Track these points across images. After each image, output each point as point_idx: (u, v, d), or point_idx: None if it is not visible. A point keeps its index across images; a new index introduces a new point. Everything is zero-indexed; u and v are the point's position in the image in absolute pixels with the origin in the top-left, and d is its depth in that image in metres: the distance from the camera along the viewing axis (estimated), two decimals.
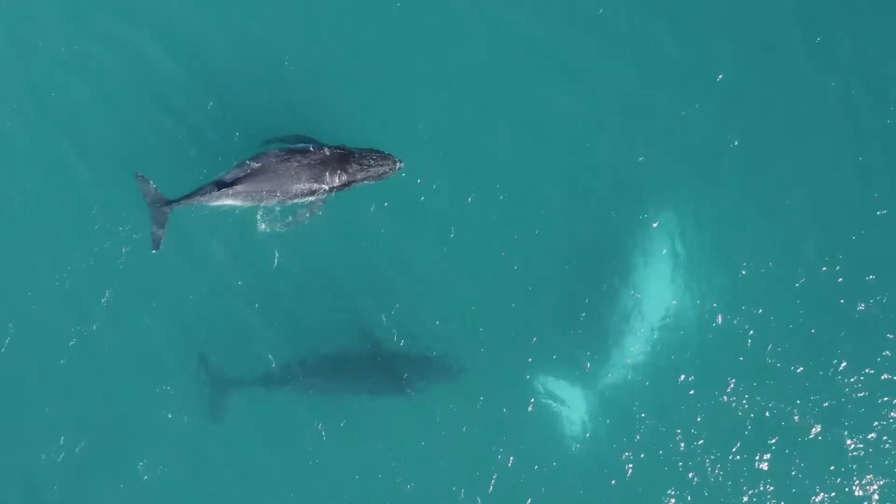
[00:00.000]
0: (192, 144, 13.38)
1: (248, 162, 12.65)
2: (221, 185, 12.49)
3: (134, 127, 13.58)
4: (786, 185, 13.16)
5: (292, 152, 12.66)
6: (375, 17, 13.63)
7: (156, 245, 12.61)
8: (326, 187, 12.73)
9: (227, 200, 12.69)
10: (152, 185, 12.47)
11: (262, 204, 12.81)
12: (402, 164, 12.87)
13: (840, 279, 12.94)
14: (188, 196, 12.57)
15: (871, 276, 12.91)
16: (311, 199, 12.81)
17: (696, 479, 12.79)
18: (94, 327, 13.47)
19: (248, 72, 13.55)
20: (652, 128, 13.34)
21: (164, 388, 13.36)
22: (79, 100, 13.68)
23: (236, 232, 13.31)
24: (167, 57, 13.63)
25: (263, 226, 13.02)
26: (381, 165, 12.80)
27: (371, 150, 12.80)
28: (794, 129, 13.25)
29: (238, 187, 12.51)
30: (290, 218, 13.03)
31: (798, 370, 12.84)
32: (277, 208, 12.97)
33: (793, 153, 13.22)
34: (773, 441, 12.76)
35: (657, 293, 13.02)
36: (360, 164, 12.73)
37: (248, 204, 12.80)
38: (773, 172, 13.21)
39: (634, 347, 13.01)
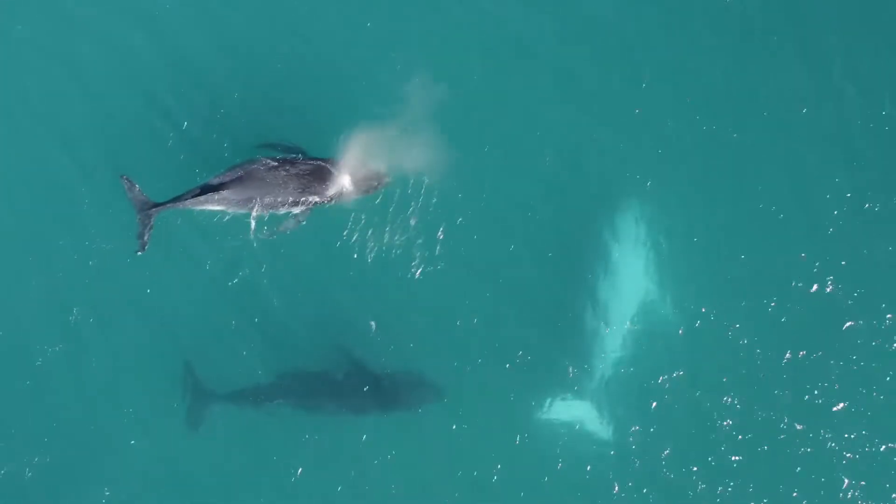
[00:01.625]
0: (181, 148, 13.15)
1: (236, 168, 12.46)
2: (208, 189, 12.26)
3: (119, 131, 13.33)
4: (761, 181, 13.26)
5: (282, 161, 12.51)
6: (367, 27, 13.58)
7: (141, 248, 12.36)
8: (314, 199, 12.59)
9: (213, 206, 12.43)
10: (137, 187, 12.24)
11: (248, 211, 12.58)
12: (388, 179, 12.81)
13: (815, 271, 13.03)
14: (174, 200, 12.30)
15: (847, 270, 13.03)
16: (297, 209, 12.66)
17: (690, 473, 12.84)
18: (60, 347, 13.12)
19: (241, 78, 13.36)
20: (628, 127, 13.39)
21: (129, 409, 13.04)
22: (62, 102, 13.40)
23: (211, 241, 13.04)
24: (158, 59, 13.44)
25: (250, 234, 12.83)
26: (372, 179, 12.76)
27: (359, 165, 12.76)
28: (770, 125, 13.36)
29: (225, 192, 12.30)
30: (275, 227, 12.83)
31: (775, 361, 12.92)
32: (264, 217, 12.75)
33: (769, 150, 13.33)
34: (754, 435, 12.79)
35: (633, 289, 13.08)
36: (353, 178, 12.66)
37: (233, 210, 12.57)
38: (749, 168, 13.30)
39: (615, 345, 13.01)
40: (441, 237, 13.11)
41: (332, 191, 12.60)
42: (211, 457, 12.97)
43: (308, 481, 12.84)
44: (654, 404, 12.85)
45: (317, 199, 12.59)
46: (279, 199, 12.48)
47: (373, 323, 12.99)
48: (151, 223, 12.25)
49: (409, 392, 13.00)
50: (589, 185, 13.28)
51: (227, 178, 12.34)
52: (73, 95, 13.36)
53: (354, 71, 13.38)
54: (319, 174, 12.55)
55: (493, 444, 12.86)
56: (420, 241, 13.10)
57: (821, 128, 13.29)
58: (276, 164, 12.46)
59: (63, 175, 13.28)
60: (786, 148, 13.29)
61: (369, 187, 12.78)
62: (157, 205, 12.26)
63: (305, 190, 12.50)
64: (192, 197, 12.28)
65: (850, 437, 12.68)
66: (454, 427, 12.87)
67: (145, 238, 12.27)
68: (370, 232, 13.07)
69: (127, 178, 12.24)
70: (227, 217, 12.77)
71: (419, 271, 13.07)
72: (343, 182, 12.64)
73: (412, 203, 13.08)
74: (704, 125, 13.33)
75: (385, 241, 13.06)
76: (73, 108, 13.36)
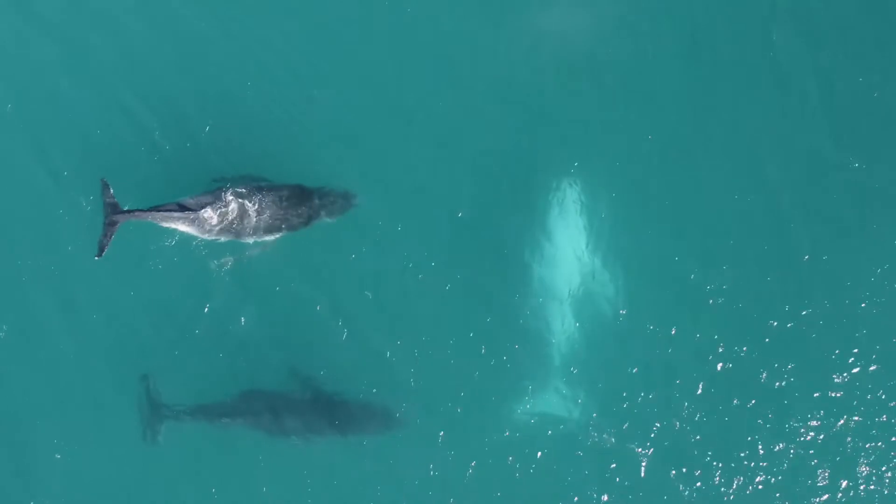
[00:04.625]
0: (156, 163, 12.92)
1: (211, 192, 12.25)
2: (183, 207, 12.00)
3: (90, 142, 13.02)
4: (692, 161, 13.29)
5: (257, 189, 12.38)
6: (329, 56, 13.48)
7: (99, 252, 11.95)
8: (289, 225, 12.52)
9: (182, 226, 12.14)
10: (111, 191, 11.92)
11: (218, 237, 12.35)
12: (358, 199, 12.85)
13: (753, 254, 13.21)
14: (143, 210, 11.95)
15: (782, 261, 13.18)
16: (271, 237, 12.54)
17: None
18: None
19: (218, 101, 13.16)
20: (554, 105, 13.39)
21: (73, 426, 12.77)
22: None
23: (170, 258, 12.76)
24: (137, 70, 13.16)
25: (214, 262, 12.74)
26: (343, 200, 12.76)
27: (330, 188, 12.75)
28: (705, 101, 13.39)
29: (200, 213, 12.05)
30: (238, 253, 12.73)
31: (724, 340, 13.06)
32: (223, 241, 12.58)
33: (707, 126, 13.32)
34: (708, 410, 12.95)
35: (573, 275, 13.20)
36: (323, 201, 12.64)
37: (202, 235, 12.28)
38: (682, 147, 13.31)
39: (565, 334, 13.10)
40: (409, 264, 13.06)
41: (308, 216, 12.56)
42: (165, 475, 12.71)
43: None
44: (613, 385, 12.99)
45: (293, 225, 12.54)
46: (254, 226, 12.35)
47: (327, 350, 12.86)
48: (115, 230, 11.90)
49: (371, 417, 12.83)
50: (511, 175, 13.26)
51: (202, 200, 12.12)
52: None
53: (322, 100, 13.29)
54: (295, 200, 12.50)
55: (461, 463, 12.82)
56: (377, 263, 13.02)
57: (764, 114, 13.37)
58: (252, 191, 12.33)
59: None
60: (735, 138, 13.33)
61: (342, 209, 12.77)
62: (124, 212, 11.91)
63: (281, 217, 12.42)
64: (163, 212, 11.95)
65: (805, 409, 12.95)
66: (406, 451, 12.81)
67: (105, 243, 11.89)
68: (330, 253, 13.01)
69: (105, 181, 11.94)
70: (194, 239, 12.52)
71: (373, 292, 13.05)
72: (318, 206, 12.61)
73: (375, 222, 13.08)
74: (622, 106, 13.37)
75: (341, 260, 13.01)
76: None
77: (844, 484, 12.79)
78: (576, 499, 12.79)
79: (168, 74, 13.08)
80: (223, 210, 12.13)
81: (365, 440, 12.74)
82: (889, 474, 12.80)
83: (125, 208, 11.96)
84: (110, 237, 11.92)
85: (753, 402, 12.94)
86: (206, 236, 12.31)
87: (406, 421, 12.82)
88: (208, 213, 12.09)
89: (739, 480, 12.83)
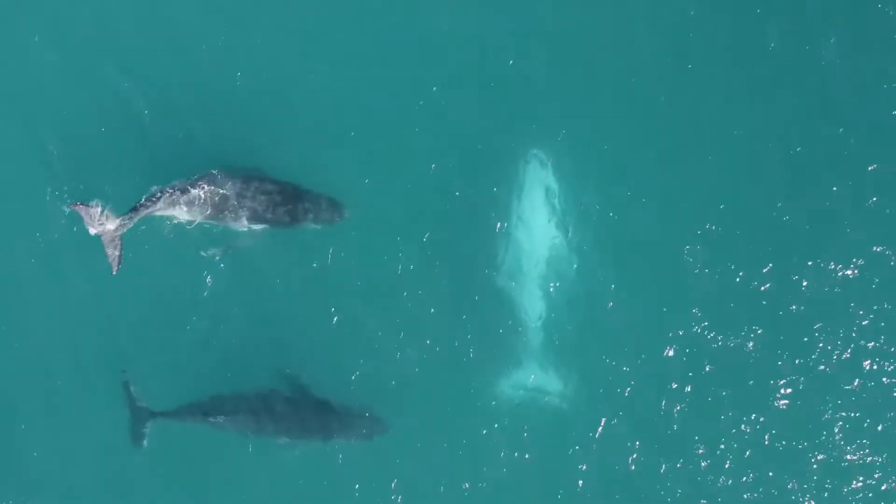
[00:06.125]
0: (147, 147, 13.03)
1: (206, 176, 12.35)
2: (183, 190, 12.11)
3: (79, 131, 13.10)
4: (675, 135, 13.41)
5: (252, 178, 12.50)
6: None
7: (114, 268, 12.00)
8: (275, 220, 12.60)
9: (177, 210, 12.24)
10: (93, 211, 11.79)
11: (212, 222, 12.48)
12: (348, 214, 12.92)
13: (708, 220, 13.28)
14: (136, 210, 11.92)
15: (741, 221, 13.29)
16: (258, 226, 12.62)
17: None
18: None
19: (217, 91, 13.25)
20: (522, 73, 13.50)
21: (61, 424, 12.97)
22: None
23: (160, 254, 12.85)
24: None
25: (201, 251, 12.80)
26: (332, 210, 12.84)
27: (323, 195, 12.83)
28: (678, 69, 13.50)
29: (194, 197, 12.18)
30: (227, 245, 12.81)
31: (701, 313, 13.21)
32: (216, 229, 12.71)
33: (691, 102, 13.44)
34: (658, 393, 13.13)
35: (550, 252, 13.33)
36: (313, 206, 12.73)
37: (196, 218, 12.40)
38: (666, 123, 13.41)
39: (541, 313, 13.24)
40: (392, 260, 13.16)
41: (296, 216, 12.65)
42: (152, 474, 12.89)
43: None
44: (597, 363, 13.14)
45: (280, 221, 12.61)
46: (247, 215, 12.48)
47: (310, 352, 12.99)
48: (119, 244, 11.90)
49: (358, 420, 12.92)
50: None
51: (198, 185, 12.23)
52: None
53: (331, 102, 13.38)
54: (287, 198, 12.62)
55: (450, 455, 13.04)
56: (361, 260, 13.16)
57: (751, 95, 13.47)
58: (248, 179, 12.46)
59: None
60: (720, 113, 13.41)
61: (329, 220, 12.88)
62: (117, 226, 11.88)
63: (272, 211, 12.54)
64: (159, 199, 12.01)
65: (791, 386, 13.12)
66: (408, 442, 13.03)
67: (117, 255, 11.93)
68: (314, 252, 13.10)
69: (80, 204, 11.86)
70: (184, 234, 12.64)
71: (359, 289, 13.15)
72: (307, 210, 12.71)
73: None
74: (587, 74, 13.49)
75: (326, 259, 13.10)
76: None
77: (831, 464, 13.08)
78: (564, 478, 13.03)
79: (164, 70, 13.21)
80: (211, 193, 12.26)
81: (351, 442, 12.89)
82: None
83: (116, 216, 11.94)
84: (118, 248, 11.89)
85: (738, 376, 13.10)
86: (193, 217, 12.41)
87: (392, 423, 12.95)
88: (196, 194, 12.19)
89: (727, 463, 13.02)
